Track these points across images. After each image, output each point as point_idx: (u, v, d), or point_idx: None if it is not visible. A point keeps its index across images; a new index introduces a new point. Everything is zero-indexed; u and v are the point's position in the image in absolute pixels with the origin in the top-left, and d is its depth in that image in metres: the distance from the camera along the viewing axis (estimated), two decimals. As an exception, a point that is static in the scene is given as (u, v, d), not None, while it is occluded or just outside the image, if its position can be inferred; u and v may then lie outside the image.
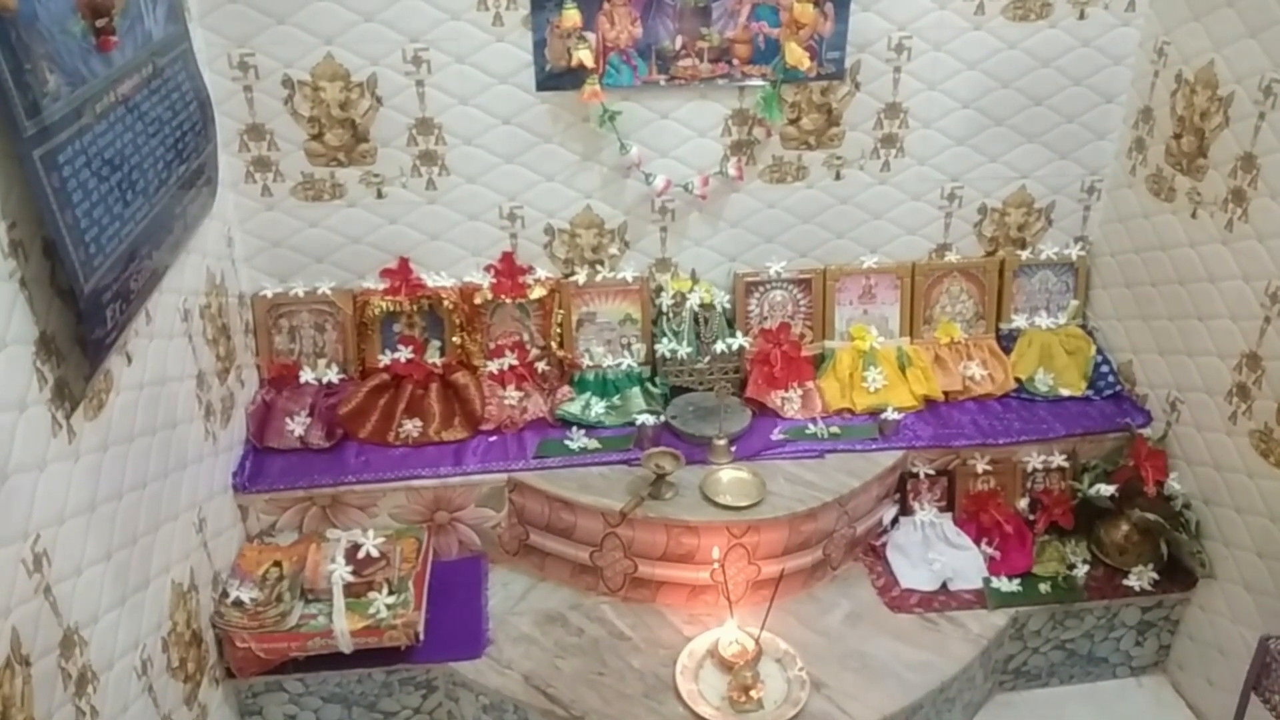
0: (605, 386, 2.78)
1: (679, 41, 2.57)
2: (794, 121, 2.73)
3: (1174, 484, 2.56)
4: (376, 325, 2.74)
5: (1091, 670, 2.67)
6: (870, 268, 2.90)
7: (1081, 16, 2.68)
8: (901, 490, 2.69)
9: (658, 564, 2.48)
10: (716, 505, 2.44)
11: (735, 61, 2.61)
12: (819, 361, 2.89)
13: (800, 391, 2.78)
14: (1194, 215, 2.49)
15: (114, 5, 1.67)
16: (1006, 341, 2.95)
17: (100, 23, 1.61)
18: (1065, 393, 2.82)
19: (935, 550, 2.61)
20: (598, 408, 2.72)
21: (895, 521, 2.69)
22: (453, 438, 2.64)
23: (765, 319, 2.89)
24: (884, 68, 2.69)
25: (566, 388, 2.77)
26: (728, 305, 2.86)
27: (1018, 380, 2.86)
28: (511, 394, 2.70)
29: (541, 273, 2.81)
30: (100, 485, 1.72)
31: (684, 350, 2.75)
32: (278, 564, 2.38)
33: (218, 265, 2.43)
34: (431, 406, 2.66)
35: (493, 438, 2.66)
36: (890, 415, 2.67)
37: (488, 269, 2.78)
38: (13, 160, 1.40)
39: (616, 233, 2.82)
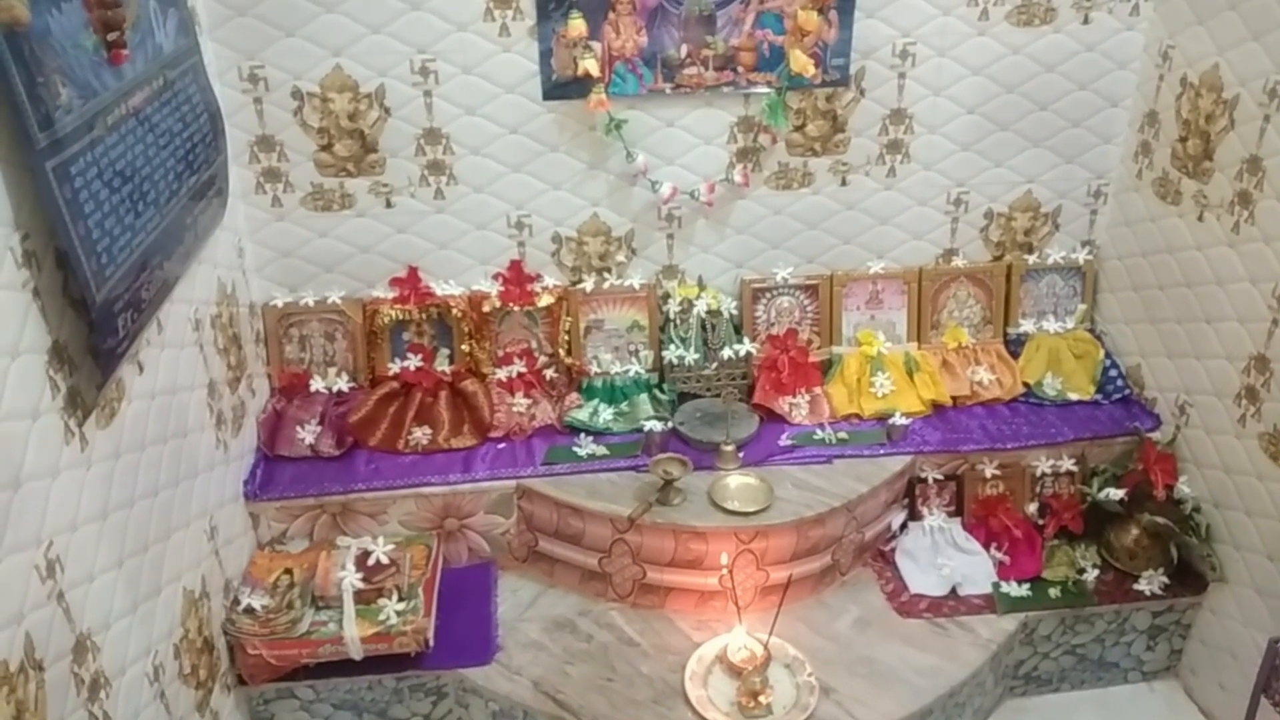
0: (613, 393, 2.79)
1: (684, 50, 2.59)
2: (799, 128, 2.74)
3: (1183, 487, 2.55)
4: (386, 334, 2.76)
5: (1102, 675, 2.66)
6: (877, 273, 2.91)
7: (1085, 21, 2.68)
8: (910, 495, 2.69)
9: (666, 570, 2.48)
10: (724, 511, 2.44)
11: (740, 69, 2.62)
12: (826, 367, 2.89)
13: (808, 397, 2.78)
14: (1200, 218, 2.49)
15: (125, 19, 1.69)
16: (1014, 346, 2.95)
17: (111, 36, 1.64)
18: (1073, 397, 2.82)
19: (944, 555, 2.61)
20: (606, 414, 2.73)
21: (904, 527, 2.69)
22: (462, 445, 2.65)
23: (772, 325, 2.90)
24: (889, 74, 2.70)
25: (575, 394, 2.78)
26: (735, 311, 2.87)
27: (1026, 385, 2.86)
28: (520, 401, 2.72)
29: (549, 280, 2.83)
30: (112, 493, 1.74)
31: (691, 356, 2.76)
32: (288, 571, 2.40)
33: (228, 275, 2.46)
34: (441, 414, 2.68)
35: (501, 445, 2.67)
36: (898, 420, 2.68)
37: (496, 277, 2.80)
38: (26, 172, 1.43)
39: (623, 240, 2.83)
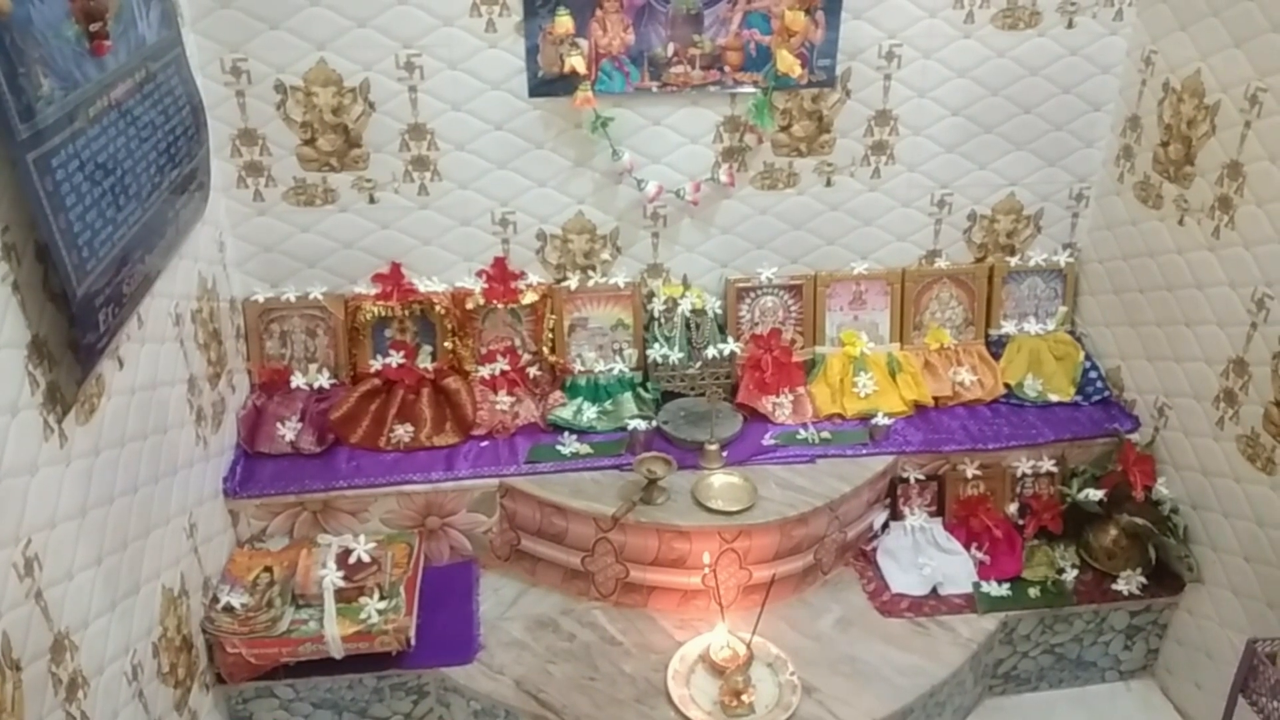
0: (597, 392, 2.78)
1: (671, 48, 2.58)
2: (785, 128, 2.75)
3: (1162, 489, 2.58)
4: (368, 330, 2.74)
5: (1080, 674, 2.68)
6: (861, 274, 2.92)
7: (1070, 25, 2.70)
8: (892, 495, 2.70)
9: (649, 569, 2.48)
10: (708, 510, 2.44)
11: (727, 68, 2.62)
12: (810, 367, 2.90)
13: (791, 397, 2.79)
14: (1181, 222, 2.52)
15: (108, 9, 1.67)
16: (996, 347, 2.97)
17: (94, 27, 1.61)
18: (1054, 398, 2.84)
19: (925, 555, 2.62)
20: (589, 413, 2.72)
21: (886, 526, 2.70)
22: (444, 443, 2.64)
23: (756, 324, 2.90)
24: (874, 75, 2.71)
25: (558, 393, 2.77)
26: (719, 311, 2.86)
27: (1007, 386, 2.88)
28: (503, 399, 2.71)
29: (533, 278, 2.81)
30: (91, 490, 1.71)
31: (676, 355, 2.76)
32: (268, 569, 2.38)
33: (209, 270, 2.43)
34: (423, 412, 2.66)
35: (484, 443, 2.66)
36: (881, 420, 2.69)
37: (480, 274, 2.78)
38: (6, 164, 1.40)
39: (608, 238, 2.83)
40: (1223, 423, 2.40)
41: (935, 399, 2.84)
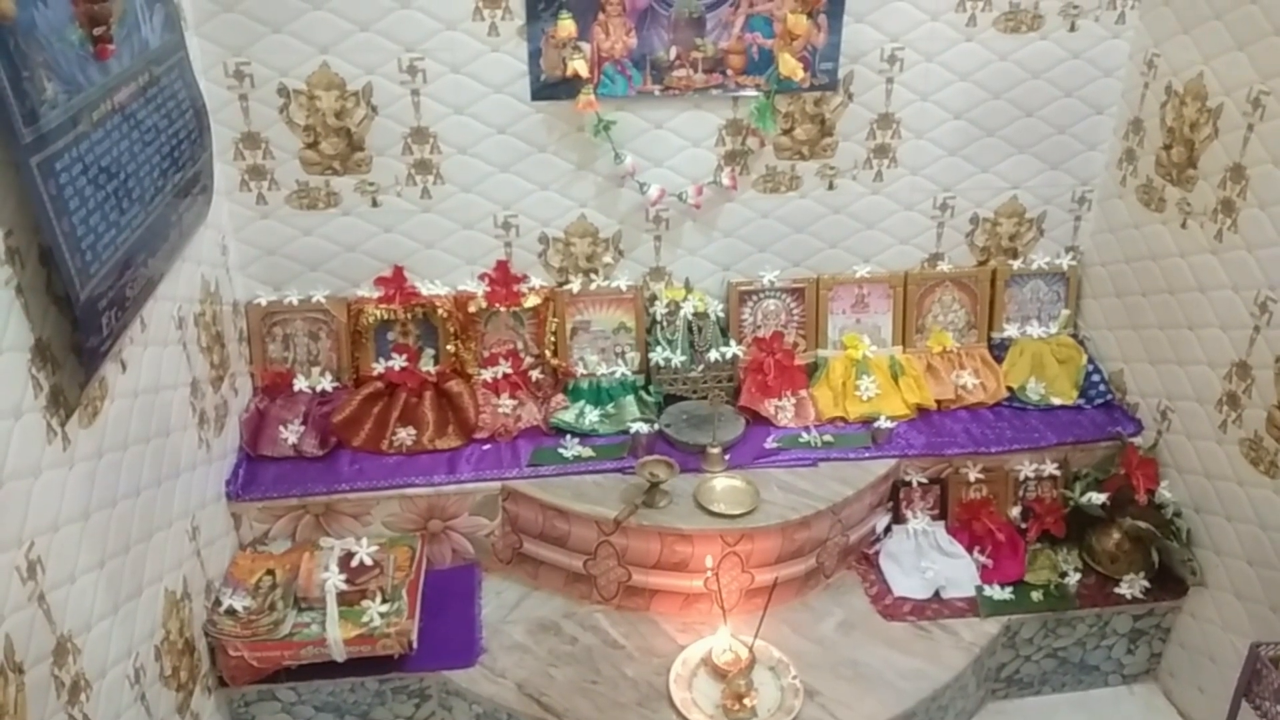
0: (599, 395, 2.78)
1: (673, 52, 2.58)
2: (787, 132, 2.75)
3: (1165, 492, 2.58)
4: (370, 333, 2.74)
5: (1083, 678, 2.68)
6: (863, 277, 2.92)
7: (1072, 29, 2.70)
8: (894, 498, 2.70)
9: (651, 572, 2.48)
10: (710, 513, 2.44)
11: (729, 72, 2.62)
12: (812, 370, 2.90)
13: (793, 400, 2.79)
14: (1184, 225, 2.51)
15: (111, 14, 1.67)
16: (998, 350, 2.97)
17: (98, 31, 1.62)
18: (1057, 401, 2.84)
19: (928, 558, 2.62)
20: (592, 416, 2.72)
21: (888, 530, 2.69)
22: (446, 446, 2.64)
23: (759, 328, 2.90)
24: (877, 79, 2.71)
25: (560, 396, 2.78)
26: (721, 314, 2.87)
27: (1009, 389, 2.88)
28: (506, 402, 2.71)
29: (536, 281, 2.82)
30: (94, 493, 1.72)
31: (678, 359, 2.76)
32: (271, 572, 2.38)
33: (212, 273, 2.43)
34: (425, 415, 2.67)
35: (486, 446, 2.66)
36: (883, 424, 2.69)
37: (482, 277, 2.78)
38: (10, 168, 1.41)
39: (611, 241, 2.83)
40: (1225, 426, 2.39)
41: (938, 402, 2.84)
